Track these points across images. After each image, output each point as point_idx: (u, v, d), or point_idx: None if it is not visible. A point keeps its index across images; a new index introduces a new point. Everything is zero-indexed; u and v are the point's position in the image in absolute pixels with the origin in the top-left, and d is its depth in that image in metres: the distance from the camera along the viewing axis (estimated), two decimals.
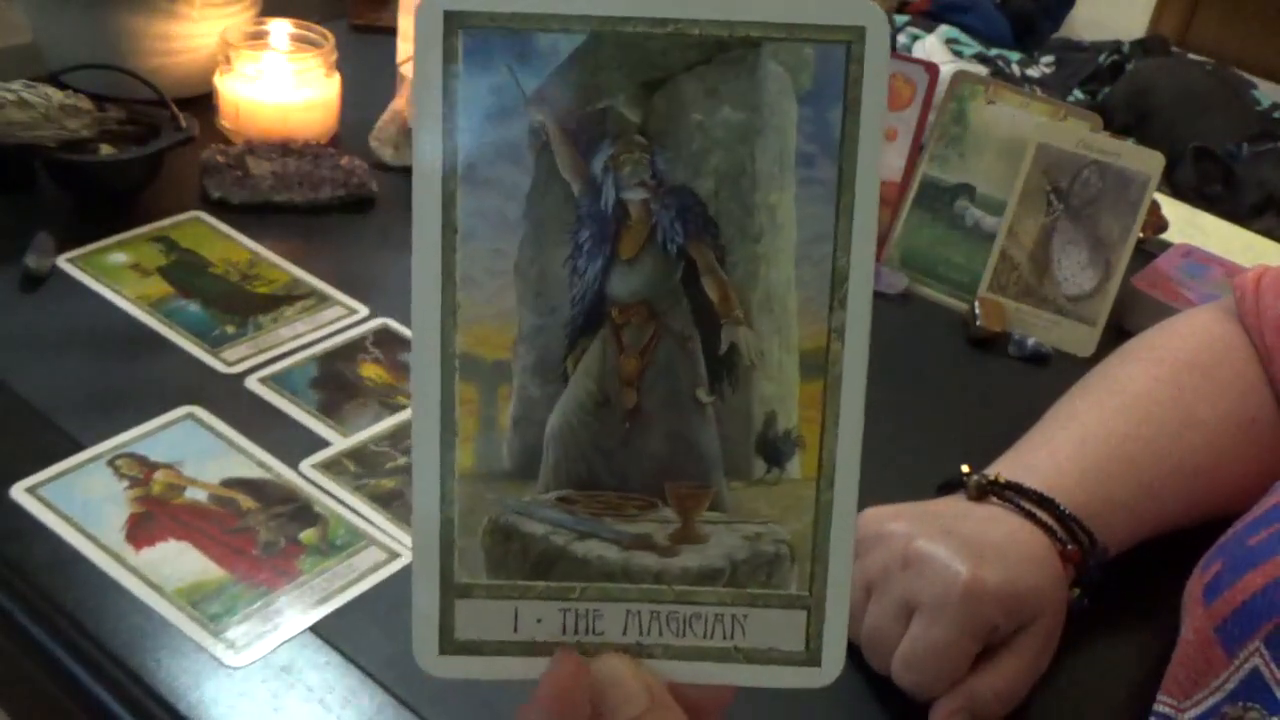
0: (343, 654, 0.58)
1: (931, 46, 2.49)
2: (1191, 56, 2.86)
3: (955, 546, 0.58)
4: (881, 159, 1.00)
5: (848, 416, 0.34)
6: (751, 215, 0.33)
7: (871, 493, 0.66)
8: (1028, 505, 0.62)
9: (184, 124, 0.89)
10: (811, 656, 0.35)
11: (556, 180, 0.33)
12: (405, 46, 0.99)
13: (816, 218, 0.33)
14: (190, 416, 0.71)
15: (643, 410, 0.34)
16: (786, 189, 0.33)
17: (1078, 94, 2.62)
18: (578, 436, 0.34)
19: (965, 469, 0.64)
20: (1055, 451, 0.66)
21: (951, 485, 0.65)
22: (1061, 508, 0.61)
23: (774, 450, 0.35)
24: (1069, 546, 0.61)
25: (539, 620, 0.35)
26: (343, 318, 0.81)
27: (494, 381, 0.34)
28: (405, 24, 0.99)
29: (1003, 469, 0.64)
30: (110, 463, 0.67)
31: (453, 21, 0.32)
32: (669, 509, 0.35)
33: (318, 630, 0.59)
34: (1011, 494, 0.62)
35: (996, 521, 0.61)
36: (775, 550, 0.35)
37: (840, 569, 0.35)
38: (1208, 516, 0.67)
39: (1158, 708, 0.58)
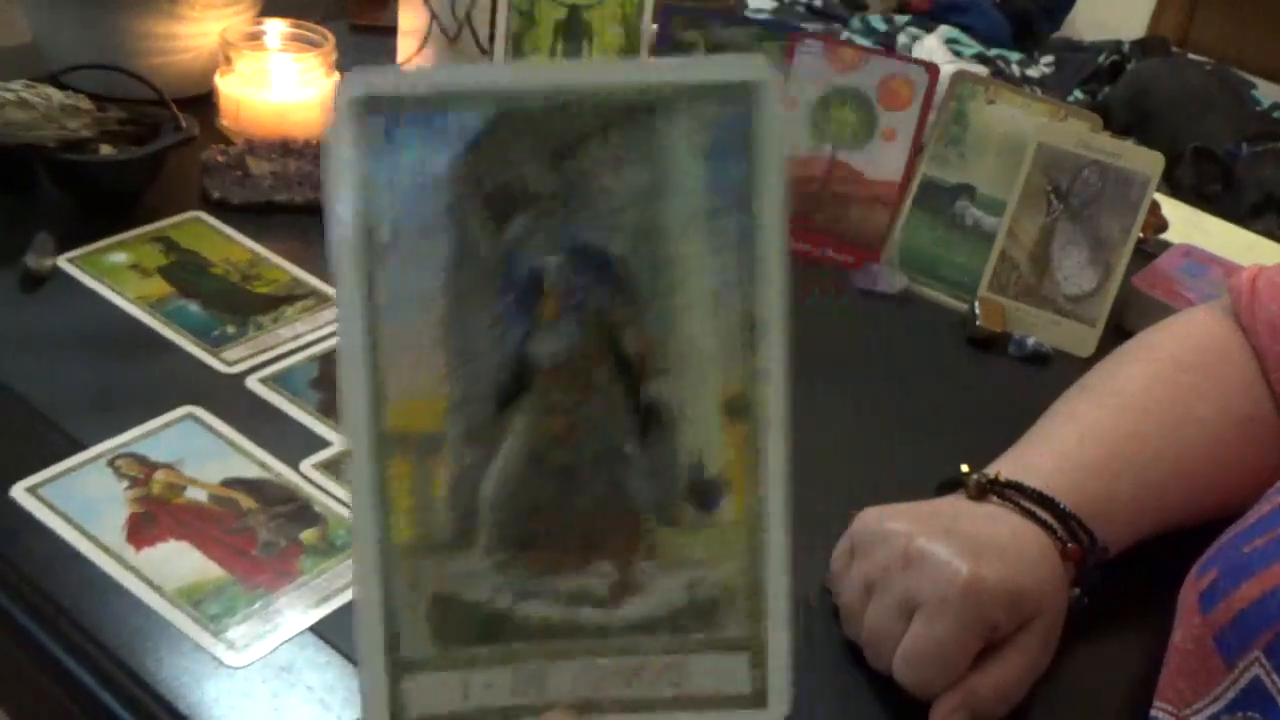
0: (343, 654, 0.58)
1: (931, 46, 2.49)
2: (1191, 56, 2.86)
3: (956, 545, 0.58)
4: (883, 160, 0.99)
5: (773, 458, 0.36)
6: (664, 271, 0.34)
7: (872, 492, 0.66)
8: (1027, 504, 0.62)
9: (184, 124, 0.89)
10: (757, 698, 0.36)
11: (474, 252, 0.34)
12: (405, 46, 1.00)
13: (726, 268, 0.34)
14: (190, 416, 0.71)
15: (575, 467, 0.35)
16: (696, 243, 0.34)
17: (1078, 94, 2.62)
18: (513, 499, 0.35)
19: (965, 468, 0.64)
20: (1054, 451, 0.66)
21: (951, 485, 0.65)
22: (1061, 506, 0.62)
23: (703, 495, 0.35)
24: (1070, 545, 0.61)
25: (488, 686, 0.35)
26: None
27: (426, 453, 0.34)
28: (405, 23, 0.99)
29: (1002, 468, 0.64)
30: (110, 463, 0.67)
31: (369, 105, 0.33)
32: (607, 562, 0.35)
33: (318, 630, 0.59)
34: (1011, 492, 0.62)
35: (996, 520, 0.61)
36: (713, 595, 0.35)
37: (778, 607, 0.36)
38: (1209, 515, 0.67)
39: (1155, 714, 0.58)
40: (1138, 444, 0.67)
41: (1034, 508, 0.62)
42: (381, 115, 0.33)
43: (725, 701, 0.36)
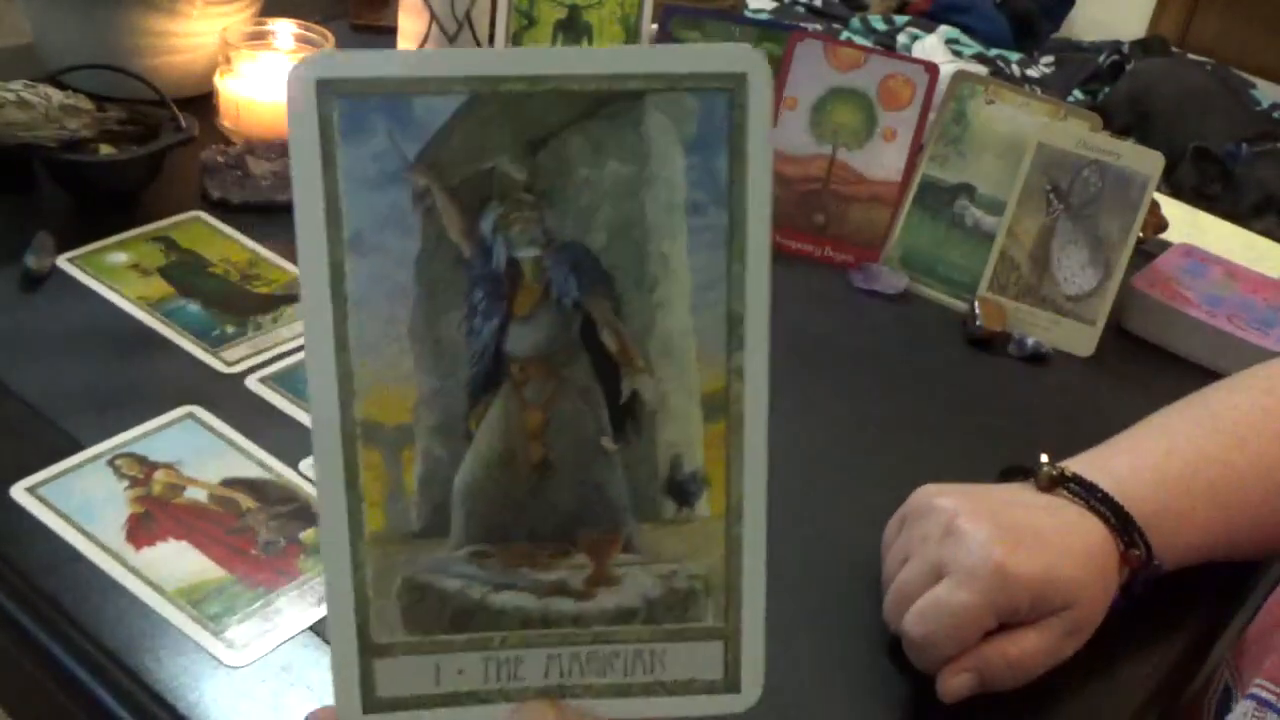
0: None
1: (931, 46, 2.49)
2: (1191, 56, 2.86)
3: (997, 529, 0.59)
4: (883, 160, 0.99)
5: (752, 454, 0.35)
6: (644, 266, 0.33)
7: (872, 492, 0.66)
8: (1094, 503, 0.62)
9: (184, 124, 0.89)
10: (731, 684, 0.36)
11: (445, 243, 0.33)
12: (405, 46, 1.00)
13: (709, 264, 0.33)
14: (190, 416, 0.71)
15: (549, 462, 0.35)
16: (678, 238, 0.33)
17: (1078, 94, 2.62)
18: (486, 492, 0.34)
19: (1044, 458, 0.64)
20: (1136, 458, 0.66)
21: (1018, 472, 0.66)
22: (1126, 511, 0.61)
23: (682, 491, 0.35)
24: (1133, 551, 0.61)
25: (460, 671, 0.35)
26: None
27: (397, 445, 0.34)
28: (405, 23, 0.99)
29: (1077, 466, 0.64)
30: (110, 463, 0.67)
31: (327, 89, 0.32)
32: (582, 555, 0.35)
33: (318, 630, 0.59)
34: (1079, 488, 0.62)
35: (1054, 512, 0.62)
36: (689, 586, 0.35)
37: (754, 598, 0.36)
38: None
39: (1257, 691, 0.58)
40: (1225, 470, 0.66)
41: (1099, 506, 0.62)
42: (347, 100, 0.32)
43: (700, 687, 0.36)
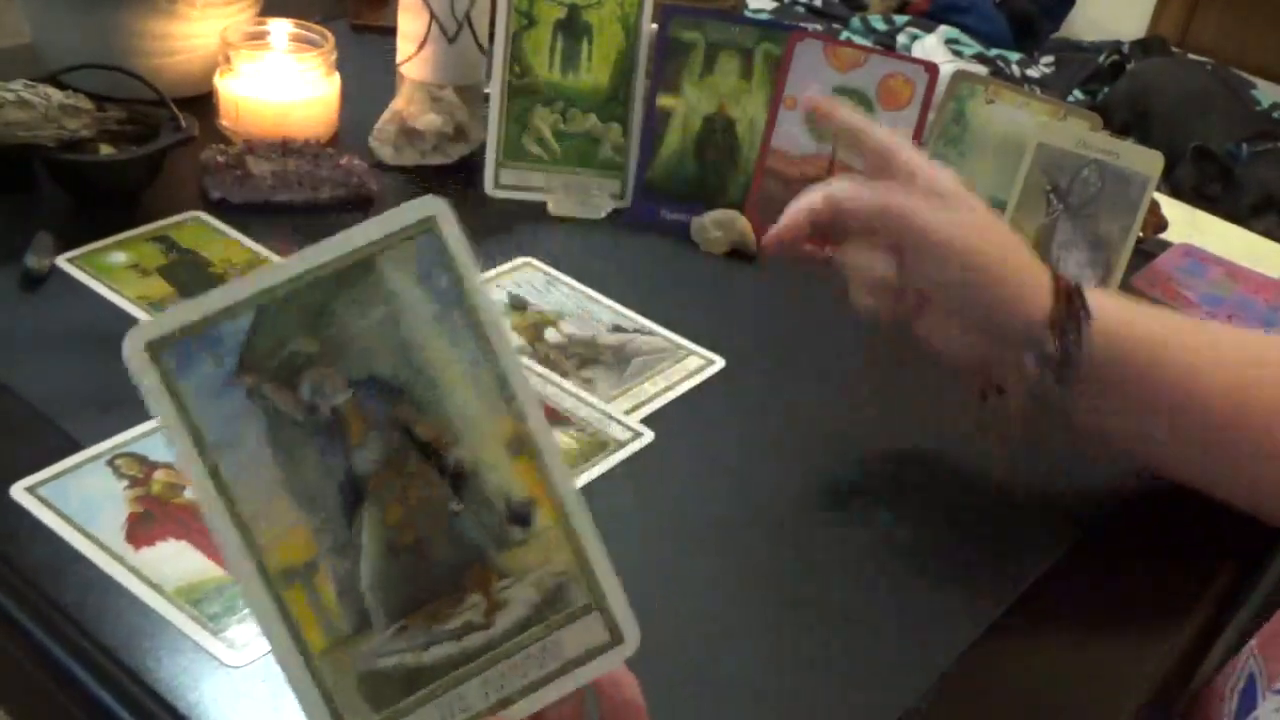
0: None
1: (931, 46, 2.50)
2: (1191, 56, 2.86)
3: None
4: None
5: (556, 469, 0.45)
6: (424, 371, 0.44)
7: (871, 491, 0.67)
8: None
9: (184, 124, 0.89)
10: (616, 639, 0.45)
11: (283, 415, 0.43)
12: (405, 46, 1.00)
13: (467, 350, 0.44)
14: None
15: (421, 539, 0.44)
16: (439, 341, 0.44)
17: (1078, 94, 2.62)
18: (386, 580, 0.44)
19: None
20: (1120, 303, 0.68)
21: None
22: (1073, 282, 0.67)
23: (519, 517, 0.45)
24: (1060, 273, 0.66)
25: None
26: None
27: (310, 575, 0.43)
28: (405, 23, 0.99)
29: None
30: (110, 462, 0.67)
31: (155, 346, 0.41)
32: (475, 594, 0.44)
33: None
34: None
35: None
36: (557, 582, 0.45)
37: (604, 570, 0.45)
38: (1193, 477, 0.67)
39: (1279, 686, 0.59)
40: (1192, 354, 0.66)
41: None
42: (173, 348, 0.42)
43: (596, 651, 0.45)
